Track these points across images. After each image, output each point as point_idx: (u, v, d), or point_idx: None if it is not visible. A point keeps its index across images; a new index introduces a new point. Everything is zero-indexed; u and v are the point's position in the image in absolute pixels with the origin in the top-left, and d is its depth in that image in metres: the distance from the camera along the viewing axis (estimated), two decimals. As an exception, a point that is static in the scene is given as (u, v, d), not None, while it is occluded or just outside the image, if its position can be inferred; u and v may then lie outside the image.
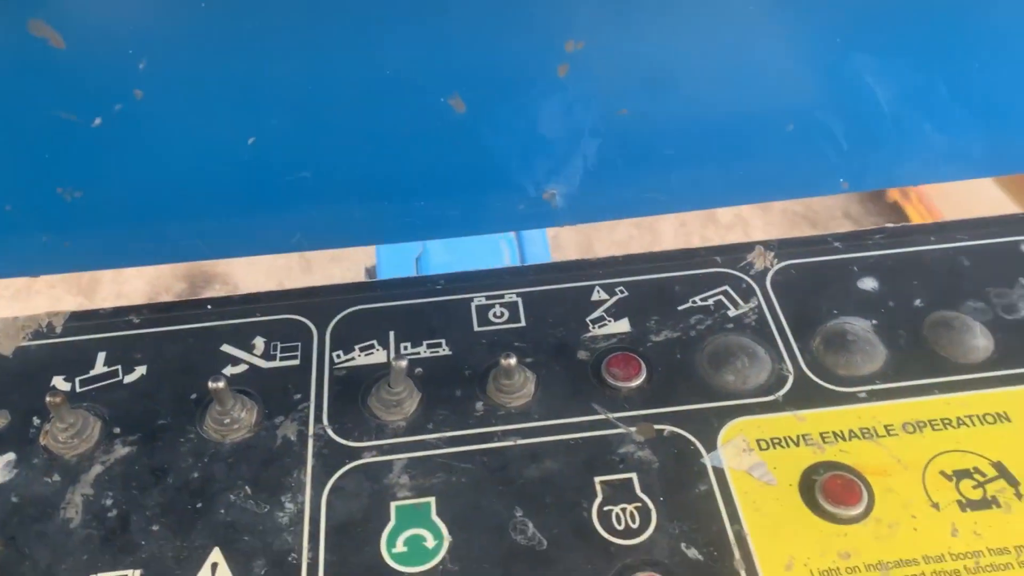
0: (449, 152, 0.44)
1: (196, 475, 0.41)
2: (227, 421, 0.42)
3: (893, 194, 1.78)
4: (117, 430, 0.43)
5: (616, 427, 0.42)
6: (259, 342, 0.46)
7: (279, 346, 0.46)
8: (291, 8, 0.39)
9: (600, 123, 0.44)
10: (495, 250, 1.09)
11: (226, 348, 0.46)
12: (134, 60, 0.39)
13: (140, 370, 0.45)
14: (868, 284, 0.48)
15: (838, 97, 0.45)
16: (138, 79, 0.40)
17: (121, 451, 0.42)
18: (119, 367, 0.45)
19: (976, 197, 1.65)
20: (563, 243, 1.76)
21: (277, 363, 0.45)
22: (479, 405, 0.43)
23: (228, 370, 0.45)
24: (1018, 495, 0.39)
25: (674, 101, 0.44)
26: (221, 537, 0.38)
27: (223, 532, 0.39)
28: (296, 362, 0.45)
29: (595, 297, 0.48)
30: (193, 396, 0.44)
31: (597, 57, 0.42)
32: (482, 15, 0.39)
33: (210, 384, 0.40)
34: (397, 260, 1.06)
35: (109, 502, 0.40)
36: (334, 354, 0.45)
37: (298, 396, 0.44)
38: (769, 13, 0.42)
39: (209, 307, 0.48)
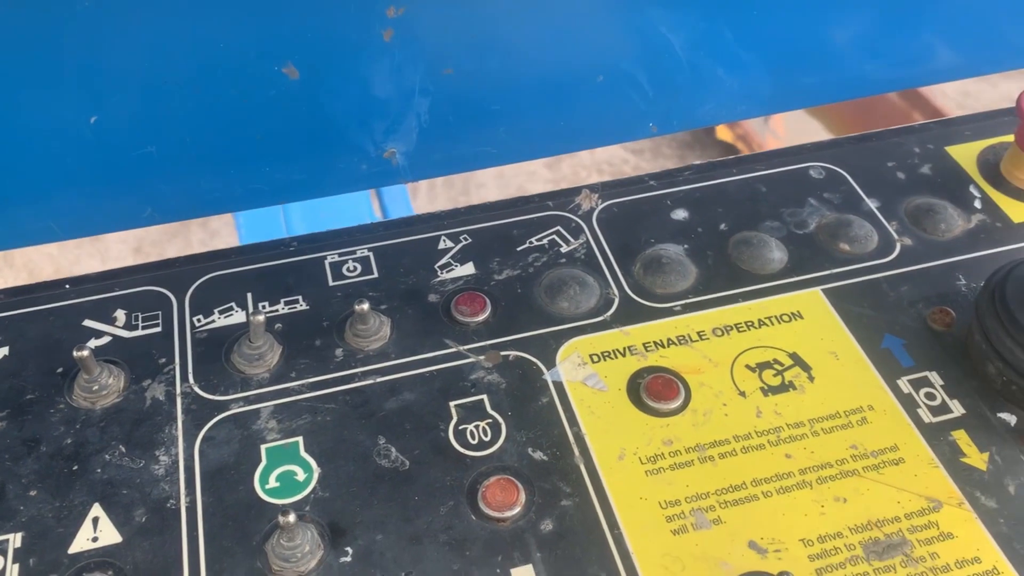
0: (289, 118, 0.47)
1: (69, 441, 0.42)
2: (95, 388, 0.44)
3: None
4: (-17, 409, 0.44)
5: (467, 357, 0.46)
6: (120, 314, 0.48)
7: (140, 316, 0.48)
8: (121, -11, 0.41)
9: (429, 83, 0.48)
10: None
11: (88, 323, 0.48)
12: (-34, 46, 0.40)
13: (2, 351, 0.46)
14: (680, 215, 0.54)
15: (639, 48, 0.51)
16: (-28, 65, 0.41)
17: (-10, 427, 0.43)
18: (-21, 350, 0.46)
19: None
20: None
21: (140, 332, 0.47)
22: (338, 351, 0.47)
23: (92, 343, 0.47)
24: (810, 378, 0.46)
25: (494, 59, 0.49)
26: (100, 493, 0.41)
27: (101, 489, 0.41)
28: (158, 329, 0.47)
29: (442, 246, 0.52)
30: (59, 370, 0.45)
31: (418, 21, 0.45)
32: (306, -13, 0.43)
33: (75, 353, 0.42)
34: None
35: (-17, 475, 0.41)
36: (194, 319, 0.48)
37: (163, 360, 0.46)
38: (571, -25, 0.47)
39: (67, 286, 0.49)
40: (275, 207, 0.99)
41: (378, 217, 1.06)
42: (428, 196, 1.85)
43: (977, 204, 0.55)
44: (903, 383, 0.45)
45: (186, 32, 0.43)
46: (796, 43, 0.55)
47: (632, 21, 0.50)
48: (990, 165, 0.57)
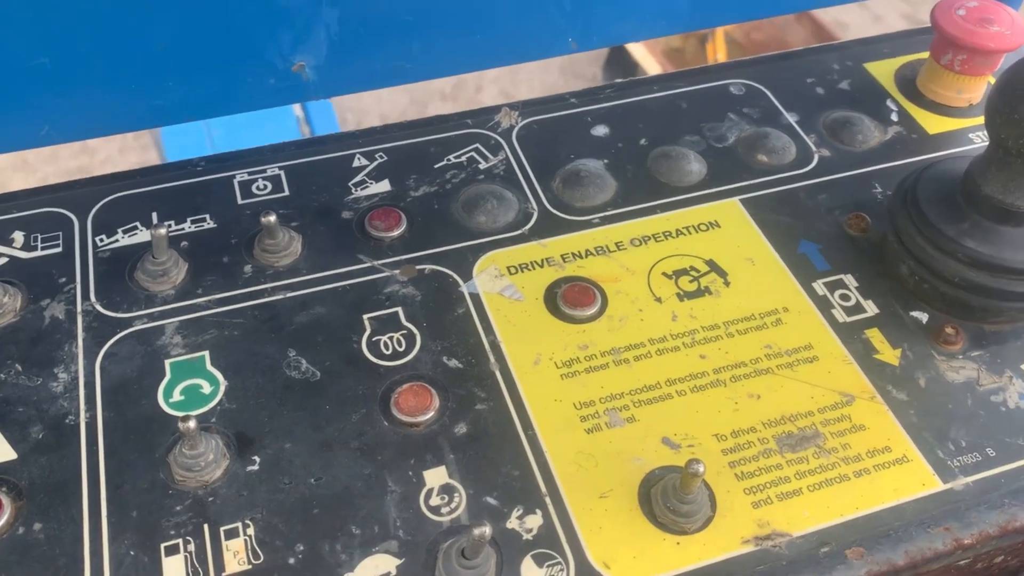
0: (190, 27, 0.45)
1: (-40, 362, 0.41)
2: (-12, 308, 0.42)
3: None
4: None
5: (381, 271, 0.45)
6: (18, 236, 0.46)
7: (40, 237, 0.46)
8: None
9: (336, -8, 0.47)
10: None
11: (-17, 245, 0.46)
12: None
13: None
14: (600, 131, 0.53)
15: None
16: None
17: None
18: None
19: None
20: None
21: (39, 253, 0.45)
22: (247, 268, 0.45)
23: (-13, 265, 0.45)
24: (726, 283, 0.46)
25: (403, -33, 0.47)
26: (-7, 413, 0.39)
27: (-5, 408, 0.39)
28: (59, 250, 0.46)
29: (356, 164, 0.51)
30: (-50, 292, 0.43)
31: (320, -77, 0.44)
32: None
33: (-37, 270, 0.40)
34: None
35: None
36: (97, 238, 0.46)
37: (63, 280, 0.44)
38: None
39: (-40, 209, 0.47)
40: (200, 130, 0.96)
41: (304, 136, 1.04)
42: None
43: (894, 117, 0.55)
44: (818, 285, 0.45)
45: (73, -68, 0.41)
46: (713, -43, 0.54)
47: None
48: (907, 80, 0.58)
